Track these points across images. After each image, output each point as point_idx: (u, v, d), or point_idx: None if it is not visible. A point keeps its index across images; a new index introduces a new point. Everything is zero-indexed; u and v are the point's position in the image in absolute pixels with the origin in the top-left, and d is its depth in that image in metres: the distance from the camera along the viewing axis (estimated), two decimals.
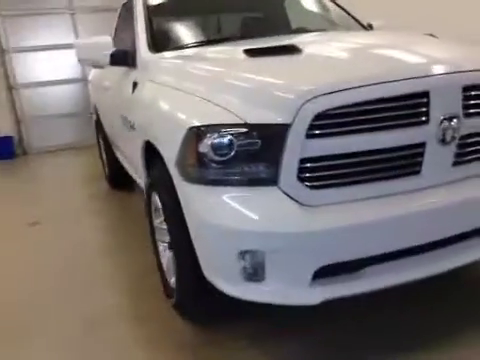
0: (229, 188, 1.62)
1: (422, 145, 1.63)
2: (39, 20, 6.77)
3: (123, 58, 2.71)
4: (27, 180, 5.63)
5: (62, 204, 4.23)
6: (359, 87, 1.55)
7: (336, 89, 1.53)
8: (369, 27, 3.21)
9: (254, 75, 1.81)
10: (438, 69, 1.65)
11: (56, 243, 3.31)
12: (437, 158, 1.67)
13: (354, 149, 1.56)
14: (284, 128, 1.53)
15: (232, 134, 1.57)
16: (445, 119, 1.61)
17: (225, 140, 1.58)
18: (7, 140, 6.78)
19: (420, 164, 1.65)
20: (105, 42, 2.65)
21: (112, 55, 2.64)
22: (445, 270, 1.70)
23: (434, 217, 1.65)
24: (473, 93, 1.67)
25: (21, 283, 2.75)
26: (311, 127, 1.52)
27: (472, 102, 1.68)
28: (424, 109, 1.60)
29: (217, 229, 1.61)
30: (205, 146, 1.60)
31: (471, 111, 1.68)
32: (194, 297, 1.99)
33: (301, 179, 1.57)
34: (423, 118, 1.61)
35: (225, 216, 1.60)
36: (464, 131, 1.68)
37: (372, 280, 1.63)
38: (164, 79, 2.30)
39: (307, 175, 1.58)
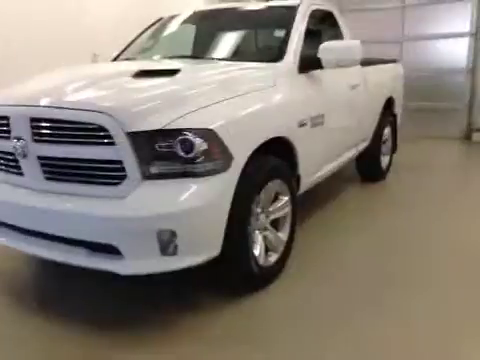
0: None
1: (13, 154, 2.26)
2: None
3: None
4: None
5: None
6: None
7: None
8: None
9: None
10: (15, 100, 2.32)
11: None
12: (28, 168, 2.26)
13: None
14: None
15: None
16: (16, 138, 2.21)
17: None
18: None
19: (20, 168, 2.29)
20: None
21: None
22: (60, 261, 2.18)
23: (24, 210, 2.25)
24: (40, 124, 2.17)
25: None
26: None
27: (40, 131, 2.17)
28: (7, 128, 2.26)
29: None
30: None
31: (39, 138, 2.17)
32: None
33: None
34: (8, 135, 2.26)
35: None
36: (39, 153, 2.18)
37: None
38: None
39: None
